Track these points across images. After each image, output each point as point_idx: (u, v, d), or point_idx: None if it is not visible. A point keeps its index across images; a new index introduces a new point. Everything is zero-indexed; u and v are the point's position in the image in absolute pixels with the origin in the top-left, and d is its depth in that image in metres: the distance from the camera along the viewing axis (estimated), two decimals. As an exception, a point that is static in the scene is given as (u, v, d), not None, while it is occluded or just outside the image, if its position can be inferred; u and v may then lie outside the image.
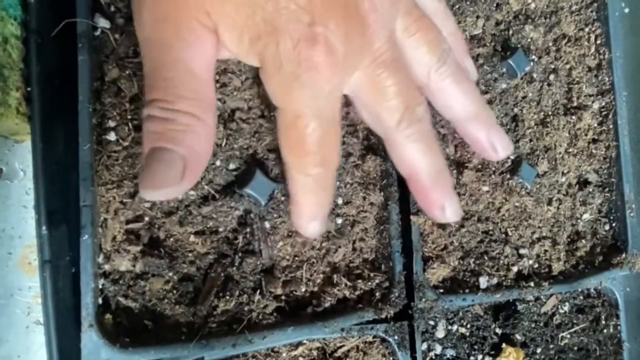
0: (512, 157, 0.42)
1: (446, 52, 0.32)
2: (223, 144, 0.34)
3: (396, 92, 0.30)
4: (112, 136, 0.31)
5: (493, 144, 0.35)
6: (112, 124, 0.32)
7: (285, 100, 0.28)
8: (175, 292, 0.33)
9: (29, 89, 0.31)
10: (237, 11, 0.26)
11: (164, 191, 0.26)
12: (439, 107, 0.34)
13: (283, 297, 0.36)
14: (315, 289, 0.37)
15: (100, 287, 0.31)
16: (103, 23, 0.31)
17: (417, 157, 0.31)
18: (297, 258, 0.37)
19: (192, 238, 0.34)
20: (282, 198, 0.36)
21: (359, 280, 0.38)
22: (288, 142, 0.29)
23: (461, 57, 0.35)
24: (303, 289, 0.36)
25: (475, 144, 0.35)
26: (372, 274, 0.38)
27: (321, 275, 0.37)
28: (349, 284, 0.38)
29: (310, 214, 0.31)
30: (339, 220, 0.38)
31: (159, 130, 0.26)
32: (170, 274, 0.33)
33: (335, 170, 0.31)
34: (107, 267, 0.32)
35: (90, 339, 0.29)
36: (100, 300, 0.31)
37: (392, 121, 0.30)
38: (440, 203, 0.32)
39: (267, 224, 0.36)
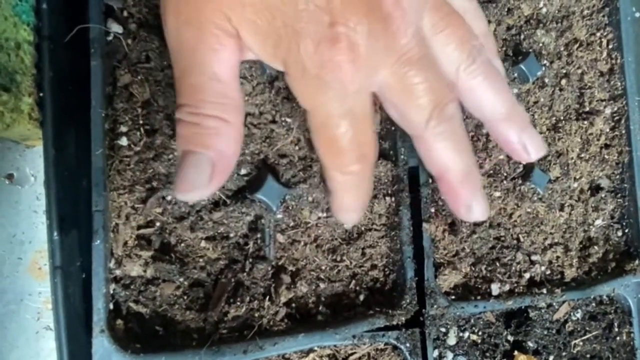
0: (523, 163, 0.42)
1: (476, 49, 0.31)
2: (234, 149, 0.34)
3: (425, 90, 0.29)
4: (124, 141, 0.31)
5: (525, 144, 0.33)
6: (124, 129, 0.32)
7: (313, 102, 0.28)
8: (185, 297, 0.33)
9: (41, 94, 0.31)
10: (257, 16, 0.26)
11: (195, 193, 0.27)
12: (468, 106, 0.33)
13: (293, 304, 0.36)
14: (326, 295, 0.37)
15: (111, 292, 0.31)
16: (116, 28, 0.31)
17: (447, 156, 0.30)
18: (307, 265, 0.36)
19: (203, 243, 0.34)
20: (293, 203, 0.36)
21: (370, 287, 0.38)
22: (322, 144, 0.29)
23: (491, 58, 0.33)
24: (316, 296, 0.36)
25: (506, 145, 0.34)
26: (383, 280, 0.38)
27: (332, 282, 0.37)
28: (359, 290, 0.38)
29: (351, 207, 0.31)
30: (349, 227, 0.37)
31: (188, 134, 0.27)
32: (181, 279, 0.33)
33: (373, 164, 0.30)
34: (118, 272, 0.32)
35: (101, 344, 0.29)
36: (111, 306, 0.31)
37: (422, 120, 0.29)
38: (468, 202, 0.31)
39: (278, 231, 0.36)
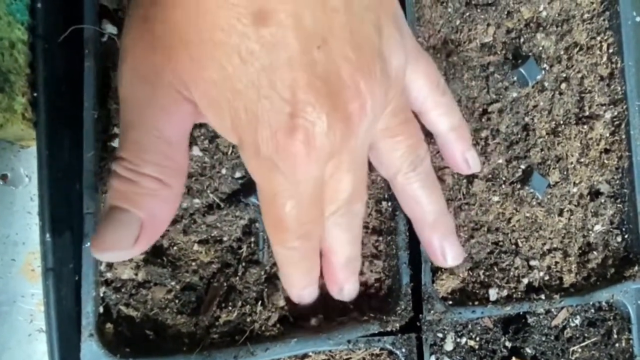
0: (523, 167, 0.42)
1: (419, 159, 0.33)
2: (229, 152, 0.34)
3: (346, 191, 0.31)
4: (116, 143, 0.31)
5: (444, 251, 0.36)
6: (117, 130, 0.31)
7: (263, 181, 0.28)
8: (177, 301, 0.33)
9: (34, 94, 0.31)
10: (217, 93, 0.26)
11: (114, 253, 0.27)
12: (401, 203, 0.35)
13: (286, 308, 0.35)
14: (319, 300, 0.36)
15: (101, 295, 0.31)
16: (110, 29, 0.31)
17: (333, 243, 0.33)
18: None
19: (195, 247, 0.33)
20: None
21: (364, 292, 0.38)
22: (268, 219, 0.29)
23: (464, 149, 0.36)
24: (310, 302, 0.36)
25: (426, 246, 0.36)
26: (377, 286, 0.38)
27: (324, 286, 0.37)
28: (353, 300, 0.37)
29: (299, 284, 0.33)
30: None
31: (122, 190, 0.27)
32: (173, 283, 0.33)
33: (317, 242, 0.31)
34: (109, 275, 0.32)
35: (90, 348, 0.29)
36: (101, 309, 0.31)
37: (328, 213, 0.31)
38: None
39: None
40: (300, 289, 0.33)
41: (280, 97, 0.25)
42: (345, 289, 0.35)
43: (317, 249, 0.32)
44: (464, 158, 0.36)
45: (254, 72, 0.24)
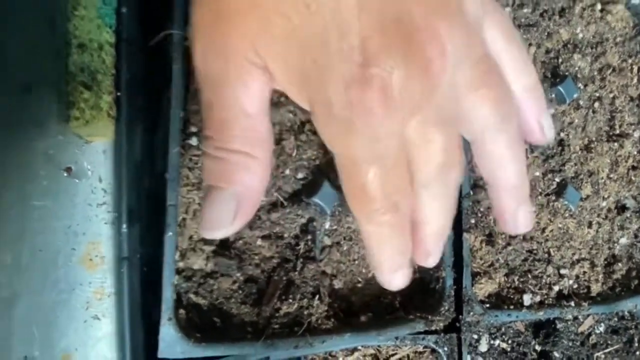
0: (557, 180, 0.44)
1: (507, 117, 0.29)
2: (293, 154, 0.36)
3: (439, 151, 0.27)
4: (194, 141, 0.33)
5: (516, 218, 0.32)
6: (194, 129, 0.33)
7: (340, 146, 0.26)
8: (241, 292, 0.35)
9: (118, 93, 0.33)
10: (286, 50, 0.25)
11: (219, 231, 0.27)
12: (480, 164, 0.31)
13: (338, 304, 0.37)
14: (369, 298, 0.39)
15: (175, 283, 0.33)
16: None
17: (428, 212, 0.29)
18: (352, 269, 0.38)
19: (259, 242, 0.35)
20: (340, 209, 0.37)
21: (409, 293, 0.40)
22: (350, 190, 0.27)
23: (538, 114, 0.32)
24: (357, 298, 0.38)
25: (498, 211, 0.32)
26: (422, 287, 0.40)
27: (374, 286, 0.39)
28: (399, 298, 0.39)
29: (390, 266, 0.29)
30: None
31: (214, 169, 0.27)
32: (238, 274, 0.35)
33: (407, 215, 0.28)
34: (181, 264, 0.33)
35: (168, 332, 0.31)
36: (174, 296, 0.33)
37: (421, 182, 0.28)
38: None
39: (326, 233, 0.37)
40: (392, 271, 0.29)
41: (350, 46, 0.23)
42: (432, 256, 0.31)
43: (409, 224, 0.28)
44: (539, 124, 0.32)
45: (321, 21, 0.23)
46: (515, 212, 0.32)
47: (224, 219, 0.27)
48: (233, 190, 0.27)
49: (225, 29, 0.26)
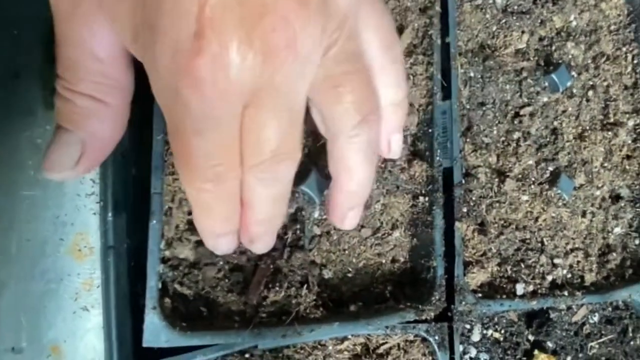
0: (551, 169, 0.44)
1: (365, 122, 0.28)
2: (281, 142, 0.35)
3: (272, 138, 0.26)
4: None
5: (344, 218, 0.32)
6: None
7: (166, 110, 0.25)
8: (227, 280, 0.35)
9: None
10: (117, 2, 0.24)
11: (59, 174, 0.27)
12: (329, 160, 0.30)
13: (328, 293, 0.37)
14: (359, 288, 0.38)
15: (160, 272, 0.33)
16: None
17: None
18: (342, 258, 0.38)
19: None
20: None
21: (400, 282, 0.39)
22: (175, 153, 0.26)
23: (392, 129, 0.32)
24: (347, 288, 0.38)
25: (331, 205, 0.32)
26: (413, 276, 0.40)
27: (364, 276, 0.38)
28: (388, 284, 0.39)
29: (212, 230, 0.29)
30: (378, 225, 0.39)
31: (62, 109, 0.26)
32: (222, 262, 0.34)
33: (232, 186, 0.27)
34: (167, 253, 0.33)
35: (152, 320, 0.31)
36: (159, 285, 0.32)
37: (249, 164, 0.27)
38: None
39: (315, 222, 0.37)
40: (214, 236, 0.29)
41: (186, 11, 0.21)
42: (256, 244, 0.30)
43: (236, 195, 0.27)
44: (389, 139, 0.32)
45: None
46: (345, 213, 0.32)
47: (65, 162, 0.26)
48: (78, 135, 0.26)
49: None
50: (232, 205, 0.27)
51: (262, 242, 0.30)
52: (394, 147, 0.32)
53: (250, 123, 0.25)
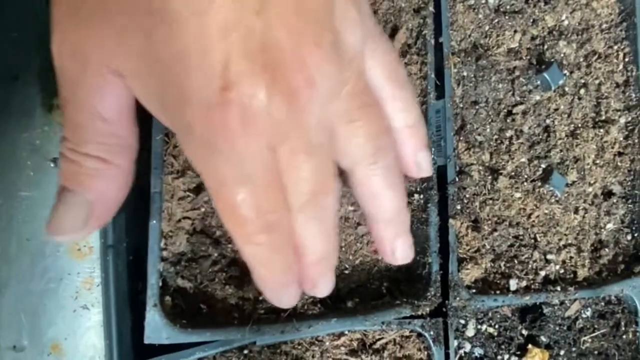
0: (543, 166, 0.44)
1: (382, 150, 0.29)
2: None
3: (308, 180, 0.26)
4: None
5: (394, 250, 0.32)
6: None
7: (206, 169, 0.25)
8: (224, 274, 0.35)
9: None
10: (143, 68, 0.24)
11: (66, 236, 0.27)
12: (357, 195, 0.31)
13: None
14: (355, 284, 0.39)
15: (160, 269, 0.33)
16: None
17: (305, 238, 0.28)
18: (340, 256, 0.38)
19: None
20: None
21: (396, 278, 0.40)
22: (224, 213, 0.26)
23: (416, 149, 0.32)
24: (344, 284, 0.38)
25: (377, 240, 0.32)
26: (408, 273, 0.40)
27: (361, 272, 0.39)
28: (384, 281, 0.40)
29: (275, 285, 0.29)
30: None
31: (68, 171, 0.26)
32: (219, 257, 0.35)
33: (286, 233, 0.27)
34: (165, 252, 0.34)
35: (153, 318, 0.31)
36: (160, 282, 0.33)
37: (296, 205, 0.27)
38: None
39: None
40: (277, 291, 0.29)
41: (212, 69, 0.22)
42: (319, 286, 0.30)
43: (289, 244, 0.27)
44: (415, 159, 0.32)
45: (182, 41, 0.22)
46: (393, 243, 0.32)
47: (74, 224, 0.26)
48: (85, 196, 0.26)
49: (83, 33, 0.25)
50: (289, 252, 0.28)
51: (324, 283, 0.30)
52: (423, 165, 0.33)
53: (288, 167, 0.25)
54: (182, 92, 0.23)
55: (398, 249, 0.32)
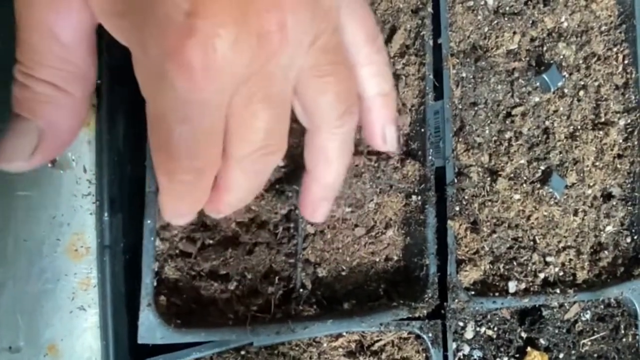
0: (542, 168, 0.44)
1: (348, 114, 0.28)
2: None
3: (263, 130, 0.25)
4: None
5: (317, 210, 0.31)
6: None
7: (151, 95, 0.24)
8: (219, 275, 0.35)
9: (98, 81, 0.33)
10: None
11: (13, 164, 0.25)
12: (307, 152, 0.30)
13: (321, 291, 0.37)
14: (352, 286, 0.39)
15: (156, 269, 0.33)
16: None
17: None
18: (335, 257, 0.38)
19: (233, 226, 0.35)
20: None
21: (393, 280, 0.40)
22: (155, 144, 0.25)
23: (385, 121, 0.31)
24: (341, 286, 0.38)
25: (304, 197, 0.31)
26: (406, 274, 0.40)
27: (358, 274, 0.39)
28: (381, 283, 0.40)
29: (178, 213, 0.28)
30: (372, 224, 0.39)
31: (19, 97, 0.25)
32: (214, 256, 0.35)
33: (209, 177, 0.26)
34: (160, 250, 0.34)
35: (147, 317, 0.31)
36: (155, 282, 0.33)
37: (236, 155, 0.26)
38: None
39: (309, 222, 0.37)
40: (178, 217, 0.28)
41: None
42: (220, 214, 0.30)
43: (210, 185, 0.26)
44: (383, 132, 0.31)
45: None
46: (318, 204, 0.31)
47: (21, 152, 0.25)
48: (35, 124, 0.25)
49: None
50: (205, 194, 0.27)
51: (226, 213, 0.30)
52: (389, 139, 0.32)
53: (239, 113, 0.24)
54: (142, 7, 0.21)
55: (320, 210, 0.31)
